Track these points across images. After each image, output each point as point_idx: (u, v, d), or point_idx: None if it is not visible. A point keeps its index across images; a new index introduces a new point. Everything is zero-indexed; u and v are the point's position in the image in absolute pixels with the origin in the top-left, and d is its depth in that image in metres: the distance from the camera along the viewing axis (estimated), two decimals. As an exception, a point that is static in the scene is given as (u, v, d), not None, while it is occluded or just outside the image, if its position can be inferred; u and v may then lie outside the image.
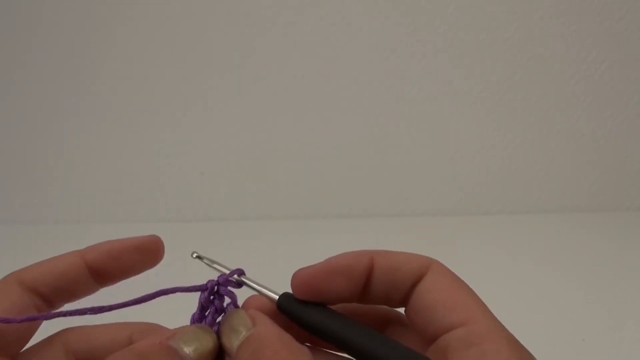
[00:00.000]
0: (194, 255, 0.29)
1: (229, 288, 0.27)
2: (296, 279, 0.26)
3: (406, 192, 0.91)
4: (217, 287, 0.27)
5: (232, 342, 0.24)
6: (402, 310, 0.27)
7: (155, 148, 0.90)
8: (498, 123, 0.88)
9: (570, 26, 0.84)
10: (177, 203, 0.92)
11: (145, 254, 0.28)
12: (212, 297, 0.27)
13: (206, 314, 0.26)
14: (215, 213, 0.92)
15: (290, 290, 0.26)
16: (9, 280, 0.26)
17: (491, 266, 0.72)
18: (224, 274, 0.28)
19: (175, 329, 0.25)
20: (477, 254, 0.76)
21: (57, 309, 0.27)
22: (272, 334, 0.23)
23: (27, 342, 0.26)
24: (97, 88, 0.88)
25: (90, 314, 0.25)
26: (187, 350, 0.23)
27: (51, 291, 0.26)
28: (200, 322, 0.26)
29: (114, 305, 0.26)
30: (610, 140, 0.89)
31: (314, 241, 0.80)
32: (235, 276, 0.27)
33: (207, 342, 0.24)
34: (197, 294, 0.27)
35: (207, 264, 0.28)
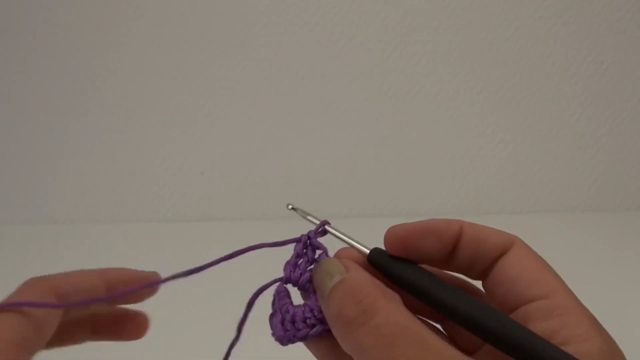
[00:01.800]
0: (289, 207, 0.32)
1: (320, 240, 0.29)
2: (391, 234, 0.27)
3: (406, 192, 0.91)
4: (309, 240, 0.29)
5: (326, 284, 0.24)
6: (478, 284, 0.28)
7: (155, 148, 0.90)
8: (498, 123, 0.88)
9: (570, 26, 0.84)
10: (177, 203, 0.92)
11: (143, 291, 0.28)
12: (304, 250, 0.28)
13: (299, 262, 0.28)
14: (215, 213, 0.92)
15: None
16: (41, 285, 0.26)
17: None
18: (315, 223, 0.29)
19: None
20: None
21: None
22: (365, 277, 0.24)
23: (44, 342, 0.26)
24: (97, 88, 0.88)
25: (184, 276, 0.27)
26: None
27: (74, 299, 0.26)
28: (294, 269, 0.28)
29: (205, 265, 0.27)
30: (610, 140, 0.89)
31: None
32: (325, 227, 0.29)
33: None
34: (279, 253, 0.28)
35: (301, 216, 0.31)
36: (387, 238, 0.27)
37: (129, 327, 0.29)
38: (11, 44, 0.86)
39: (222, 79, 0.87)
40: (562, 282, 0.25)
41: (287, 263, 0.28)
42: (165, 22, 0.85)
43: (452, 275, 0.28)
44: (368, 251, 0.27)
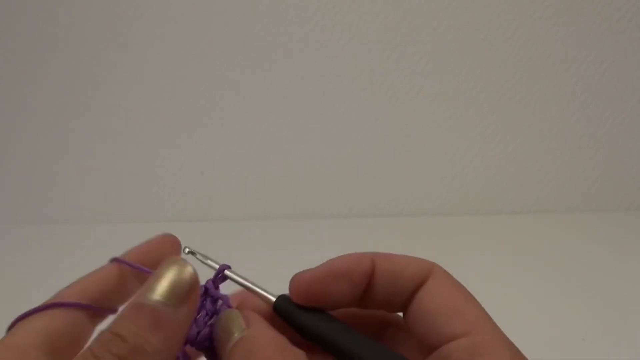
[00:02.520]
0: (186, 250, 0.28)
1: (220, 288, 0.26)
2: (295, 283, 0.25)
3: (406, 192, 0.91)
4: (206, 290, 0.26)
5: (225, 344, 0.23)
6: (400, 314, 0.27)
7: (155, 148, 0.90)
8: (498, 123, 0.88)
9: (570, 26, 0.84)
10: (177, 203, 0.92)
11: (171, 246, 0.28)
12: (202, 300, 0.25)
13: (198, 316, 0.25)
14: (215, 213, 0.92)
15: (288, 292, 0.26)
16: (59, 296, 0.25)
17: (491, 266, 0.72)
18: (214, 268, 0.27)
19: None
20: (476, 254, 0.76)
21: (104, 319, 0.27)
22: (266, 336, 0.22)
23: (78, 350, 0.25)
24: (97, 88, 0.88)
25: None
26: (154, 295, 0.21)
27: (100, 297, 0.25)
28: (194, 323, 0.25)
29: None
30: (610, 140, 0.89)
31: (313, 241, 0.80)
32: (226, 272, 0.26)
33: (176, 272, 0.22)
34: None
35: (200, 260, 0.27)
36: (292, 288, 0.25)
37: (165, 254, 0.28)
38: (11, 43, 0.86)
39: (221, 79, 0.87)
40: (483, 313, 0.24)
41: None
42: (165, 22, 0.85)
43: (371, 312, 0.27)
44: (274, 299, 0.25)
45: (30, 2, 0.85)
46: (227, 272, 0.26)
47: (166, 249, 0.28)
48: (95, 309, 0.25)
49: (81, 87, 0.88)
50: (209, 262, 0.27)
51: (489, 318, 0.24)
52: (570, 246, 0.78)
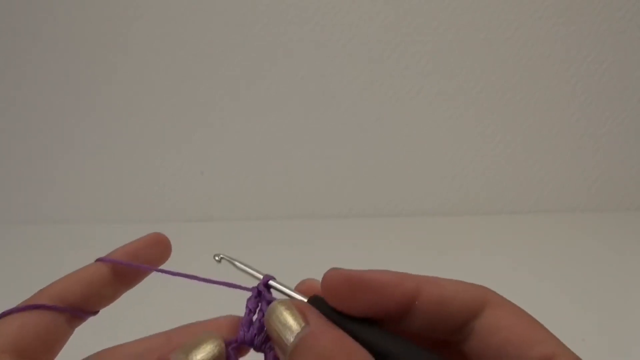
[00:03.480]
0: (218, 258, 0.27)
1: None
2: (329, 280, 0.23)
3: (406, 192, 0.91)
4: (260, 293, 0.25)
5: (286, 339, 0.22)
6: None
7: (155, 148, 0.90)
8: (498, 123, 0.88)
9: (570, 26, 0.84)
10: (177, 203, 0.92)
11: (156, 247, 0.28)
12: (258, 301, 0.25)
13: (254, 318, 0.25)
14: (215, 213, 0.92)
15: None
16: (38, 296, 0.25)
17: (491, 266, 0.72)
18: (258, 277, 0.26)
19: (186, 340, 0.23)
20: (476, 254, 0.76)
21: (86, 319, 0.26)
22: (331, 333, 0.21)
23: (56, 353, 0.25)
24: (98, 89, 0.88)
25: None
26: None
27: (81, 299, 0.25)
28: (248, 328, 0.24)
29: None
30: (610, 140, 0.89)
31: (313, 241, 0.80)
32: (270, 282, 0.25)
33: (212, 352, 0.22)
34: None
35: (239, 269, 0.26)
36: (326, 284, 0.23)
37: (153, 254, 0.28)
38: (12, 44, 0.86)
39: (221, 79, 0.87)
40: (556, 338, 0.22)
41: (242, 322, 0.25)
42: (165, 22, 0.85)
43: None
44: (306, 299, 0.24)
45: (30, 2, 0.84)
46: (271, 282, 0.26)
47: (154, 252, 0.28)
48: (73, 312, 0.24)
49: (81, 88, 0.88)
50: (250, 271, 0.26)
51: (562, 344, 0.22)
52: (570, 246, 0.78)
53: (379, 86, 0.87)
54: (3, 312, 0.23)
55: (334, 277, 0.23)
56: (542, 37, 0.84)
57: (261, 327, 0.24)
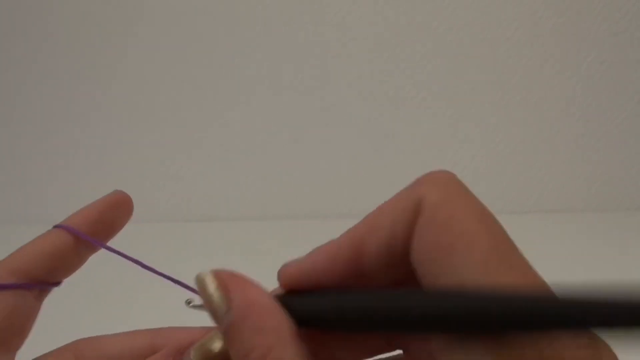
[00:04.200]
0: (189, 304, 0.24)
1: None
2: (284, 276, 0.22)
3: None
4: None
5: (216, 319, 0.20)
6: None
7: (155, 148, 0.90)
8: (498, 123, 0.88)
9: (570, 26, 0.84)
10: (177, 203, 0.92)
11: (122, 208, 0.27)
12: None
13: None
14: (215, 213, 0.92)
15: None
16: None
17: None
18: None
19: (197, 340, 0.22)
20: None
21: (51, 289, 0.25)
22: (256, 318, 0.19)
23: (26, 334, 0.24)
24: (98, 89, 0.88)
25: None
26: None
27: (47, 272, 0.24)
28: None
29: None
30: (610, 140, 0.89)
31: (313, 241, 0.80)
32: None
33: (211, 348, 0.21)
34: None
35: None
36: (282, 281, 0.22)
37: (116, 216, 0.26)
38: (13, 44, 0.86)
39: (221, 79, 0.87)
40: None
41: None
42: (167, 22, 0.85)
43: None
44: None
45: (30, 2, 0.84)
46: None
47: (116, 213, 0.27)
48: (41, 287, 0.23)
49: (82, 88, 0.88)
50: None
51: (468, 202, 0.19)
52: (570, 246, 0.78)
53: (379, 86, 0.87)
54: None
55: (288, 274, 0.22)
56: (542, 37, 0.84)
57: None
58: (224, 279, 0.20)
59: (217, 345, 0.22)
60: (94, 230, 0.26)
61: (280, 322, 0.19)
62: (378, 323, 0.19)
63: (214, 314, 0.20)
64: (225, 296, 0.20)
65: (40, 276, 0.24)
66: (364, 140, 0.89)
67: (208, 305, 0.20)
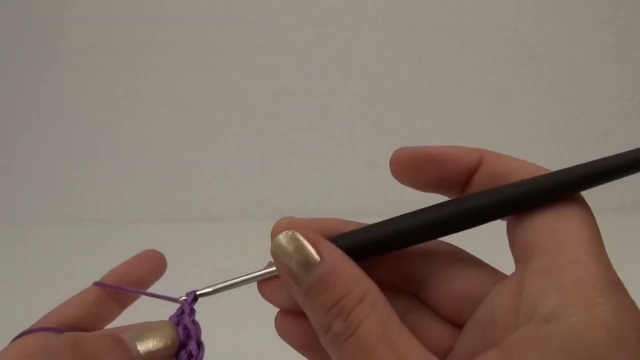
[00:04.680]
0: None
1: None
2: (404, 152, 0.25)
3: (406, 192, 0.90)
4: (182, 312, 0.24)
5: (301, 274, 0.21)
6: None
7: (155, 148, 0.90)
8: (498, 123, 0.88)
9: (570, 26, 0.84)
10: (177, 203, 0.92)
11: (150, 263, 0.28)
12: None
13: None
14: (215, 213, 0.92)
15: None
16: (43, 321, 0.25)
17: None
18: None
19: (136, 324, 0.24)
20: (476, 254, 0.76)
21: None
22: (349, 274, 0.21)
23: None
24: (98, 88, 0.88)
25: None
26: (141, 347, 0.22)
27: (77, 321, 0.26)
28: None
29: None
30: (610, 140, 0.89)
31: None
32: (197, 292, 0.25)
33: (164, 340, 0.23)
34: None
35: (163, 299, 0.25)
36: (399, 156, 0.25)
37: (145, 271, 0.28)
38: (13, 44, 0.86)
39: (222, 79, 0.87)
40: (582, 230, 0.22)
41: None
42: (165, 22, 0.85)
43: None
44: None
45: (28, 4, 0.85)
46: (198, 292, 0.25)
47: (145, 267, 0.28)
48: (63, 330, 0.25)
49: (81, 88, 0.88)
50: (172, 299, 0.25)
51: (587, 241, 0.22)
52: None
53: (379, 86, 0.87)
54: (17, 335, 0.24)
55: (402, 155, 0.25)
56: (542, 37, 0.84)
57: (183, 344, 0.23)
58: (310, 236, 0.22)
59: (170, 339, 0.22)
60: (123, 284, 0.27)
61: (361, 271, 0.22)
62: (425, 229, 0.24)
63: (302, 268, 0.21)
64: (316, 249, 0.21)
65: (72, 325, 0.26)
66: (364, 140, 0.89)
67: (294, 261, 0.21)
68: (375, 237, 0.24)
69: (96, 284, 0.27)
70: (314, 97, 0.87)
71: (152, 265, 0.28)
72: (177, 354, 0.23)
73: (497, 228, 0.26)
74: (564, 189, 0.24)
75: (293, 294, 0.22)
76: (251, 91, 0.88)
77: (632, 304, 0.19)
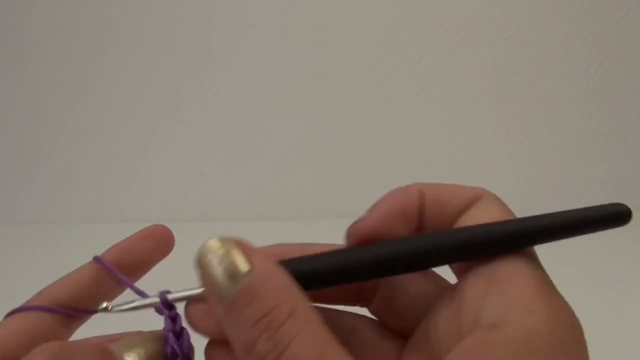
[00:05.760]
0: (107, 307, 0.24)
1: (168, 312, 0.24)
2: (352, 235, 0.24)
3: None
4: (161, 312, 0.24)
5: (224, 286, 0.19)
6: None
7: (155, 148, 0.90)
8: (498, 123, 0.88)
9: (570, 26, 0.84)
10: (177, 203, 0.92)
11: (154, 241, 0.27)
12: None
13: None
14: (215, 213, 0.92)
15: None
16: (36, 298, 0.25)
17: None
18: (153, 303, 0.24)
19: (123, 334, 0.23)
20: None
21: (82, 321, 0.26)
22: (278, 285, 0.19)
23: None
24: (97, 88, 0.88)
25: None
26: (128, 357, 0.21)
27: (73, 300, 0.25)
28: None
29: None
30: (610, 140, 0.89)
31: (313, 241, 0.80)
32: (168, 296, 0.24)
33: (149, 350, 0.22)
34: None
35: (132, 309, 0.24)
36: (350, 240, 0.24)
37: (149, 248, 0.27)
38: (10, 43, 0.86)
39: (222, 78, 0.87)
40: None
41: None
42: (164, 21, 0.85)
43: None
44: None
45: (28, 3, 0.84)
46: (169, 297, 0.23)
47: (149, 245, 0.27)
48: (57, 311, 0.24)
49: (81, 87, 0.88)
50: (143, 303, 0.24)
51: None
52: (570, 246, 0.78)
53: (379, 86, 0.87)
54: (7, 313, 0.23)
55: (356, 234, 0.24)
56: (542, 37, 0.84)
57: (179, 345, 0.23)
58: (241, 244, 0.20)
59: (159, 352, 0.22)
60: (124, 261, 0.26)
61: (294, 284, 0.20)
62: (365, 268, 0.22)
63: (229, 277, 0.19)
64: (246, 258, 0.19)
65: (68, 304, 0.25)
66: (364, 140, 0.89)
67: (221, 268, 0.19)
68: (324, 267, 0.22)
69: (96, 258, 0.26)
70: (314, 97, 0.87)
71: (157, 243, 0.27)
72: None
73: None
74: (513, 242, 0.23)
75: (217, 311, 0.20)
76: (251, 91, 0.87)
77: (567, 305, 0.21)
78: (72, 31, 0.86)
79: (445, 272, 0.25)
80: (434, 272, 0.25)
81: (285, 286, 0.19)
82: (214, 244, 0.20)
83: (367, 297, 0.26)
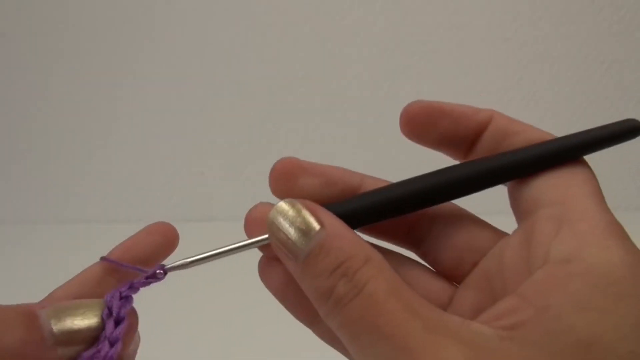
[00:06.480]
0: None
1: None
2: (416, 105, 0.25)
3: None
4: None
5: (298, 242, 0.21)
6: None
7: (155, 148, 0.90)
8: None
9: (570, 26, 0.84)
10: (177, 203, 0.92)
11: (159, 236, 0.27)
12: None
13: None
14: (215, 213, 0.92)
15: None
16: (47, 300, 0.24)
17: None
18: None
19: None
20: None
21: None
22: (350, 240, 0.21)
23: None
24: (97, 87, 0.88)
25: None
26: (56, 326, 0.19)
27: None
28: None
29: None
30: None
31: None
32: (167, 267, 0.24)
33: (86, 321, 0.20)
34: None
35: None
36: (409, 110, 0.25)
37: (153, 246, 0.27)
38: (10, 43, 0.86)
39: (222, 79, 0.87)
40: (586, 184, 0.23)
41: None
42: (164, 22, 0.85)
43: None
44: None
45: (29, 4, 0.85)
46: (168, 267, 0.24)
47: (153, 240, 0.27)
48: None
49: (81, 88, 0.88)
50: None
51: (589, 190, 0.24)
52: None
53: (378, 86, 0.87)
54: None
55: (415, 107, 0.25)
56: (542, 37, 0.84)
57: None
58: (310, 204, 0.22)
59: (95, 320, 0.20)
60: (126, 260, 0.26)
61: (361, 238, 0.21)
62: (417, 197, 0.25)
63: (303, 234, 0.21)
64: (316, 218, 0.21)
65: None
66: (363, 140, 0.89)
67: (294, 228, 0.21)
68: (377, 202, 0.24)
69: (103, 258, 0.26)
70: (315, 97, 0.87)
71: (161, 240, 0.27)
72: (98, 338, 0.20)
73: (496, 224, 0.27)
74: (568, 152, 0.26)
75: (287, 265, 0.21)
76: (252, 91, 0.87)
77: (637, 248, 0.20)
78: (72, 31, 0.86)
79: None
80: (491, 225, 0.27)
81: (356, 240, 0.21)
82: (284, 206, 0.22)
83: (419, 236, 0.27)
